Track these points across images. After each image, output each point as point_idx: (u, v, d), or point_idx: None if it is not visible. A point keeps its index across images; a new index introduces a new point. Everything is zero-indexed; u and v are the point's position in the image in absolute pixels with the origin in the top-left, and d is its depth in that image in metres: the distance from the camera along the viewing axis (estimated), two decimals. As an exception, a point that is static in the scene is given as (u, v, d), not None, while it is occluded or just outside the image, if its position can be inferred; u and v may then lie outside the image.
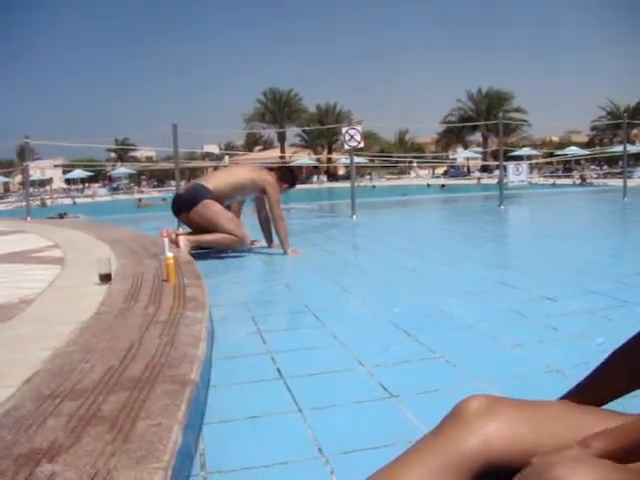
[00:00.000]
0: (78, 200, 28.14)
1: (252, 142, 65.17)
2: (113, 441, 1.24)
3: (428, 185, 32.87)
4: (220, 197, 5.14)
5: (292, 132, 55.21)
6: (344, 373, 2.10)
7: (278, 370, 2.13)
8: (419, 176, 42.09)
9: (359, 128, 8.78)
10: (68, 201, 27.56)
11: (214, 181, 5.25)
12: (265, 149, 60.63)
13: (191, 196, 5.18)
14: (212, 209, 5.04)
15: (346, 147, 8.83)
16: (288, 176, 5.53)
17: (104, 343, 1.99)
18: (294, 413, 1.75)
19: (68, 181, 49.98)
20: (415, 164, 39.82)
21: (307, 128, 47.98)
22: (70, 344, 2.00)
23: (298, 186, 5.92)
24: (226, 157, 37.07)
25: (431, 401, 1.80)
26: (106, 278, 3.15)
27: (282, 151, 49.66)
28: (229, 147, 56.58)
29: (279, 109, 53.17)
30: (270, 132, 60.89)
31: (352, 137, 8.59)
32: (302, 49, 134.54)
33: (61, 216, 13.94)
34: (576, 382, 1.12)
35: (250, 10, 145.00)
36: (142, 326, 2.20)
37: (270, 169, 5.50)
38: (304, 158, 43.85)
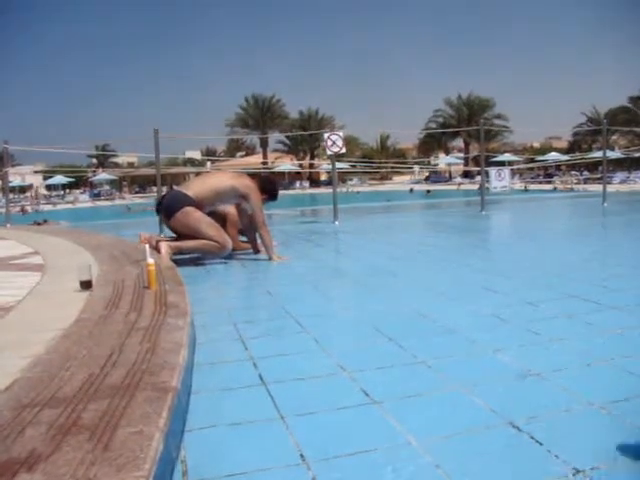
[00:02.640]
0: (59, 206, 27.87)
1: (234, 148, 65.17)
2: (93, 450, 1.22)
3: (411, 190, 33.05)
4: (201, 204, 5.11)
5: (274, 138, 55.39)
6: (326, 379, 2.09)
7: (260, 376, 2.12)
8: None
9: (341, 134, 8.81)
10: (49, 207, 27.27)
11: (194, 188, 5.21)
12: (247, 155, 60.65)
13: (170, 203, 5.13)
14: (192, 216, 5.01)
15: (328, 153, 8.86)
16: (268, 187, 5.50)
17: (84, 350, 1.97)
18: (276, 419, 1.75)
19: (49, 187, 49.60)
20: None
21: (290, 134, 48.09)
22: (50, 351, 1.98)
23: (280, 192, 5.89)
24: (208, 163, 37.00)
25: (413, 406, 1.80)
26: (87, 285, 3.12)
27: (264, 157, 49.72)
28: (210, 153, 56.42)
29: (261, 115, 53.28)
30: (252, 138, 60.96)
31: (334, 143, 8.61)
32: (285, 55, 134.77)
33: (39, 224, 13.78)
34: (556, 386, 1.14)
35: (234, 16, 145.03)
36: (123, 333, 2.19)
37: (252, 176, 5.47)
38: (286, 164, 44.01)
